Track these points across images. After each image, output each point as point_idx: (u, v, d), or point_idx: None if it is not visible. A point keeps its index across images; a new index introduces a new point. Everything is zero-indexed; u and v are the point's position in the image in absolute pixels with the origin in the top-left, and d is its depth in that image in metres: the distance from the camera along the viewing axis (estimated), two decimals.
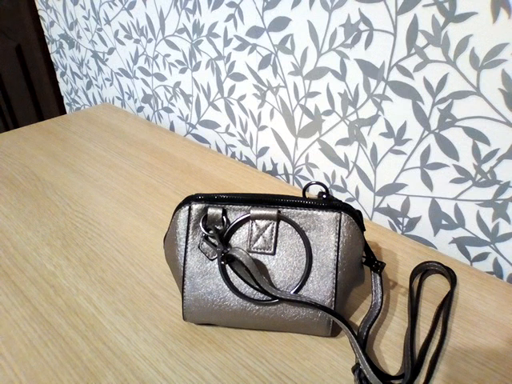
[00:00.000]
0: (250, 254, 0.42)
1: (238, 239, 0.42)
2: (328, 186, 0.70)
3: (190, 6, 0.77)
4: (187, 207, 0.43)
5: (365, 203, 0.66)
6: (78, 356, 0.42)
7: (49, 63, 1.32)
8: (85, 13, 1.05)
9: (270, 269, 0.42)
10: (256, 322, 0.42)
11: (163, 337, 0.44)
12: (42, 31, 1.27)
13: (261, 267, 0.42)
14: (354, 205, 0.68)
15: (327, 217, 0.42)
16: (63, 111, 1.40)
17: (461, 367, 0.41)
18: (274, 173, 0.79)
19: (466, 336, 0.44)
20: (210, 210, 0.42)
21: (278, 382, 0.40)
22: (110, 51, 1.04)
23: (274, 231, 0.42)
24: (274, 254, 0.42)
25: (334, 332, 0.44)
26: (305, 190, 0.46)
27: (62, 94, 1.36)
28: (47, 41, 1.28)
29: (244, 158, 0.83)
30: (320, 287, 0.41)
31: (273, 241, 0.42)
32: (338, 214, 0.42)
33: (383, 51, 0.54)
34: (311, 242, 0.42)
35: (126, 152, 0.81)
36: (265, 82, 0.71)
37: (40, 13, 1.23)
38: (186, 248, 0.43)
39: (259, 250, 0.42)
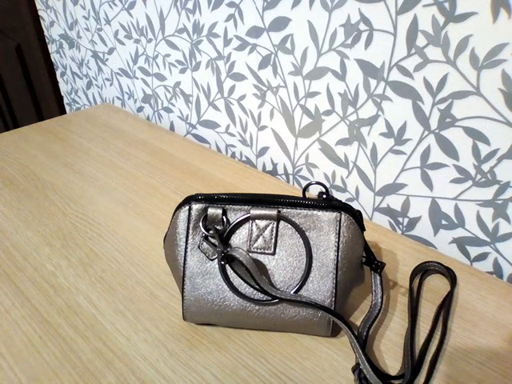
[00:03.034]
0: (250, 254, 0.42)
1: (238, 239, 0.42)
2: (328, 186, 0.70)
3: (190, 5, 0.77)
4: (187, 207, 0.43)
5: (365, 203, 0.66)
6: (77, 356, 0.42)
7: (49, 63, 1.32)
8: (85, 13, 1.05)
9: (270, 269, 0.42)
10: (256, 322, 0.42)
11: (163, 337, 0.44)
12: (42, 31, 1.27)
13: (261, 267, 0.42)
14: (354, 205, 0.68)
15: (327, 217, 0.42)
16: (63, 111, 1.40)
17: (461, 367, 0.41)
18: (274, 173, 0.79)
19: (466, 336, 0.44)
20: (210, 210, 0.42)
21: (278, 381, 0.40)
22: (110, 51, 1.04)
23: (274, 231, 0.42)
24: (274, 254, 0.42)
25: (334, 332, 0.44)
26: (305, 190, 0.46)
27: (62, 94, 1.36)
28: (47, 41, 1.28)
29: (244, 158, 0.83)
30: (320, 287, 0.41)
31: (273, 241, 0.42)
32: (338, 214, 0.42)
33: (383, 51, 0.54)
34: (311, 242, 0.42)
35: (125, 152, 0.81)
36: (265, 82, 0.71)
37: (40, 13, 1.23)
38: (186, 248, 0.43)
39: (259, 250, 0.42)
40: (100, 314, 0.47)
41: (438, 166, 0.55)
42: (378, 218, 0.66)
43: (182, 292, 0.43)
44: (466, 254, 0.57)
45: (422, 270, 0.52)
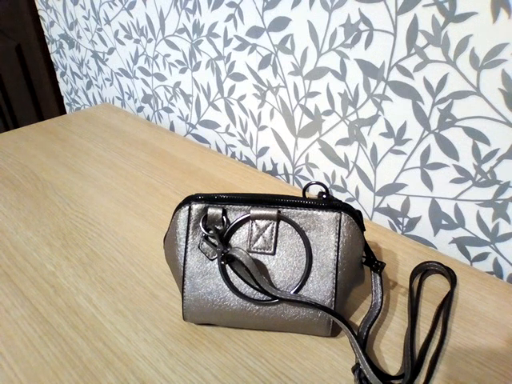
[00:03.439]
0: (250, 254, 0.42)
1: (238, 239, 0.42)
2: (328, 186, 0.70)
3: (190, 5, 0.77)
4: (187, 207, 0.43)
5: (365, 203, 0.66)
6: (78, 356, 0.42)
7: (49, 63, 1.32)
8: (85, 13, 1.05)
9: (270, 269, 0.42)
10: (256, 322, 0.42)
11: (163, 337, 0.44)
12: (42, 31, 1.27)
13: (261, 267, 0.42)
14: (354, 205, 0.68)
15: (327, 217, 0.42)
16: (63, 111, 1.40)
17: (461, 367, 0.41)
18: (274, 173, 0.79)
19: (466, 336, 0.44)
20: (210, 210, 0.42)
21: (278, 381, 0.40)
22: (110, 51, 1.04)
23: (274, 231, 0.42)
24: (274, 254, 0.42)
25: (334, 332, 0.44)
26: (305, 190, 0.46)
27: (62, 94, 1.36)
28: (47, 41, 1.28)
29: (244, 158, 0.83)
30: (320, 287, 0.41)
31: (273, 241, 0.42)
32: (338, 214, 0.42)
33: (383, 51, 0.54)
34: (311, 242, 0.42)
35: (125, 152, 0.81)
36: (265, 82, 0.71)
37: (40, 13, 1.23)
38: (186, 248, 0.43)
39: (259, 250, 0.42)
40: (100, 314, 0.47)
41: (437, 166, 0.55)
42: (377, 218, 0.66)
43: (182, 292, 0.43)
44: (466, 254, 0.57)
45: (422, 270, 0.52)
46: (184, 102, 0.90)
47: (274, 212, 0.42)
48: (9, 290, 0.50)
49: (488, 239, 0.55)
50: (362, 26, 0.55)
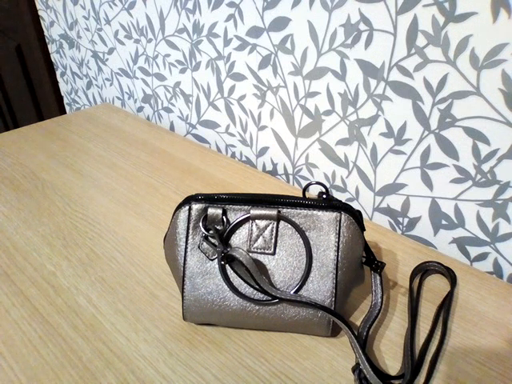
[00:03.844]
0: (250, 254, 0.42)
1: (238, 239, 0.42)
2: (328, 186, 0.70)
3: (190, 5, 0.77)
4: (187, 207, 0.43)
5: (365, 203, 0.66)
6: (78, 356, 0.42)
7: (49, 63, 1.32)
8: (85, 13, 1.05)
9: (270, 269, 0.42)
10: (256, 322, 0.42)
11: (163, 337, 0.44)
12: (42, 31, 1.27)
13: (261, 267, 0.42)
14: (354, 205, 0.68)
15: (327, 217, 0.42)
16: (63, 111, 1.40)
17: (461, 367, 0.41)
18: (274, 173, 0.79)
19: (466, 336, 0.44)
20: (210, 210, 0.42)
21: (278, 381, 0.40)
22: (110, 51, 1.04)
23: (274, 231, 0.42)
24: (274, 254, 0.42)
25: (334, 332, 0.44)
26: (305, 190, 0.46)
27: (62, 94, 1.36)
28: (47, 41, 1.28)
29: (244, 158, 0.83)
30: (320, 287, 0.41)
31: (273, 241, 0.42)
32: (338, 214, 0.42)
33: (383, 51, 0.54)
34: (311, 242, 0.42)
35: (125, 152, 0.81)
36: (265, 82, 0.71)
37: (40, 13, 1.23)
38: (186, 248, 0.43)
39: (259, 250, 0.42)
40: (100, 314, 0.47)
41: (437, 166, 0.55)
42: (377, 218, 0.66)
43: (182, 292, 0.43)
44: (466, 254, 0.57)
45: (422, 270, 0.52)
46: (184, 102, 0.90)
47: (273, 212, 0.42)
48: (9, 290, 0.50)
49: (488, 239, 0.55)
50: (362, 26, 0.55)
